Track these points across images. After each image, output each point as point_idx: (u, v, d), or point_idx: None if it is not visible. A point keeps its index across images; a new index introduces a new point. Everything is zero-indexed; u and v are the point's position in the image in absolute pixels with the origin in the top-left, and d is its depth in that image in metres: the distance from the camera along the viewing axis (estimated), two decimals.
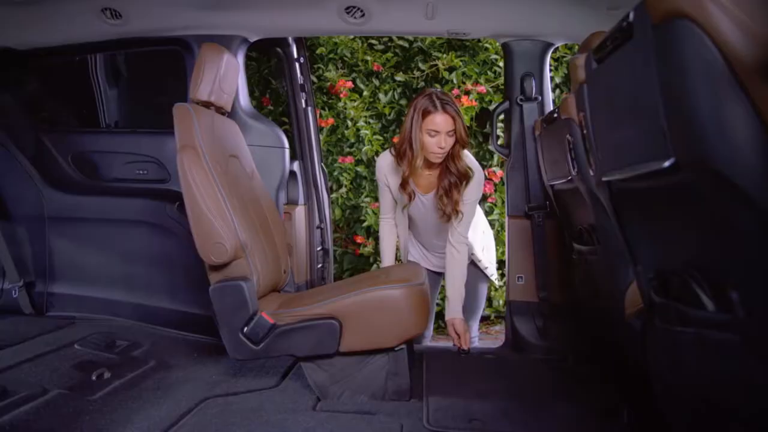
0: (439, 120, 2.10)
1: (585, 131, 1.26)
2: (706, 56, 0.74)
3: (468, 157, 2.25)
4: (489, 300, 4.01)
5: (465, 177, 2.22)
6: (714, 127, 0.75)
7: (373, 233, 3.89)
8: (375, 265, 3.87)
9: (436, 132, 2.10)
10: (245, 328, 1.77)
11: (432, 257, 2.51)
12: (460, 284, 2.28)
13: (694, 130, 0.78)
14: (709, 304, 0.91)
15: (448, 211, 2.25)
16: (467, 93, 3.74)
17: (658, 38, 0.83)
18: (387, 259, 2.45)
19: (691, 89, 0.77)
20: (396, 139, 2.44)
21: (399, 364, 1.81)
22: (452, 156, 2.18)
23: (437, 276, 2.54)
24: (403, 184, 2.25)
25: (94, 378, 1.87)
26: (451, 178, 2.22)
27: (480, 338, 4.03)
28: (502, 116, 2.55)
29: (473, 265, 2.51)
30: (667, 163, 0.85)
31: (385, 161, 2.31)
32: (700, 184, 0.84)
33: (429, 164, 2.23)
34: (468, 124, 3.76)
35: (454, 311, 2.27)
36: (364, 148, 3.78)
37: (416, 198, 2.31)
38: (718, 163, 0.76)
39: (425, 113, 2.11)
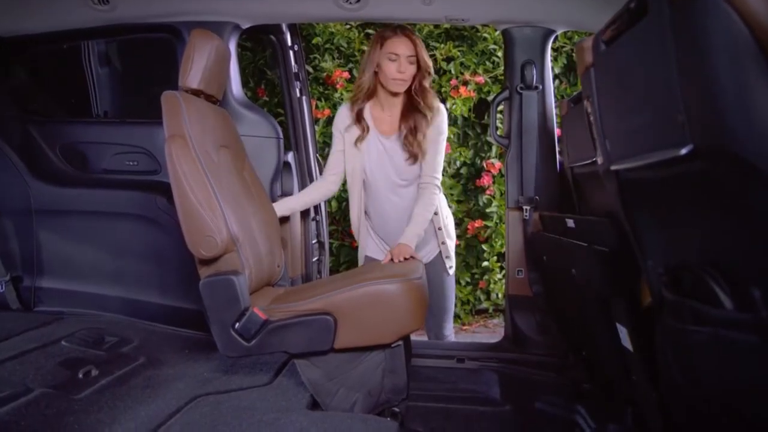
0: (398, 43, 2.11)
1: (592, 118, 1.19)
2: (732, 32, 0.67)
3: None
4: (487, 293, 3.97)
5: (433, 111, 2.18)
6: (739, 110, 0.69)
7: None
8: None
9: (396, 55, 2.10)
10: (237, 324, 1.71)
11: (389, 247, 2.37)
12: (422, 222, 2.19)
13: (716, 114, 0.72)
14: (726, 302, 0.85)
15: (415, 150, 2.18)
16: (465, 83, 3.67)
17: (677, 14, 0.77)
18: (289, 200, 2.38)
19: (714, 70, 0.71)
20: None
21: (396, 361, 1.75)
22: (418, 90, 2.16)
23: None
24: (358, 117, 2.21)
25: (80, 376, 1.80)
26: (417, 116, 2.18)
27: (478, 332, 4.01)
28: (501, 106, 2.48)
29: (439, 258, 2.39)
30: (684, 151, 0.79)
31: (344, 108, 2.29)
32: (721, 173, 0.78)
33: (390, 101, 2.21)
34: (466, 115, 3.70)
35: (406, 238, 2.15)
36: None
37: (375, 139, 2.24)
38: (743, 149, 0.69)
39: (384, 38, 2.13)
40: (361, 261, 2.46)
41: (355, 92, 2.24)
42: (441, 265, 2.40)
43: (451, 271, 2.43)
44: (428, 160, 2.21)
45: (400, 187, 2.29)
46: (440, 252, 2.39)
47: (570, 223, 1.75)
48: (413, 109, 2.19)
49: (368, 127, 2.24)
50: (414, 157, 2.20)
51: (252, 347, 1.72)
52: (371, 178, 2.29)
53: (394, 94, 2.20)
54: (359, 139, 2.24)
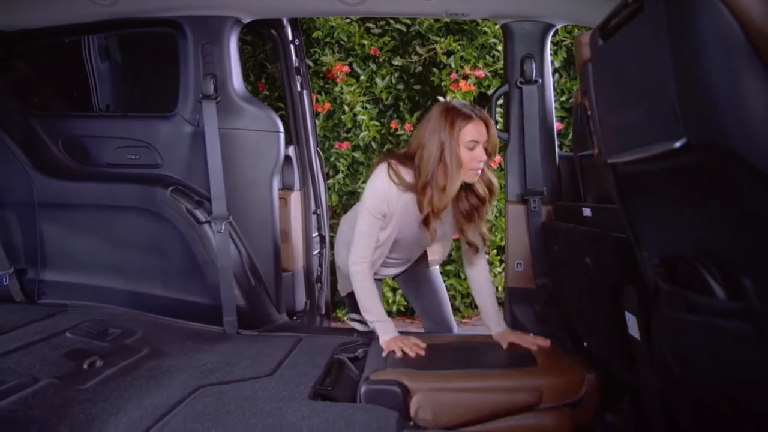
0: (477, 129, 1.83)
1: (590, 112, 1.21)
2: (724, 28, 0.69)
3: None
4: None
5: (492, 193, 1.96)
6: (731, 105, 0.71)
7: None
8: None
9: (476, 143, 1.84)
10: None
11: (383, 268, 2.22)
12: (494, 299, 2.13)
13: (708, 108, 0.74)
14: (719, 292, 0.88)
15: (470, 237, 1.99)
16: (465, 77, 3.68)
17: (671, 11, 0.79)
18: (379, 310, 2.01)
19: (706, 64, 0.73)
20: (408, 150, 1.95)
21: None
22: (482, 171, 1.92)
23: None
24: (426, 221, 1.93)
25: (85, 366, 1.83)
26: (472, 200, 1.95)
27: (478, 325, 4.03)
28: (501, 100, 2.50)
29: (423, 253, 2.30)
30: (678, 144, 0.81)
31: (389, 187, 1.92)
32: (714, 166, 0.80)
33: None
34: None
35: (502, 324, 2.06)
36: (361, 134, 3.73)
37: (416, 219, 1.98)
38: (735, 142, 0.71)
39: (460, 127, 1.83)
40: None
41: (420, 187, 1.90)
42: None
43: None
44: (477, 234, 2.04)
45: (420, 245, 2.17)
46: None
47: (587, 212, 1.77)
48: (469, 192, 1.95)
49: (436, 231, 1.99)
50: (474, 247, 2.03)
51: None
52: (402, 240, 2.08)
53: None
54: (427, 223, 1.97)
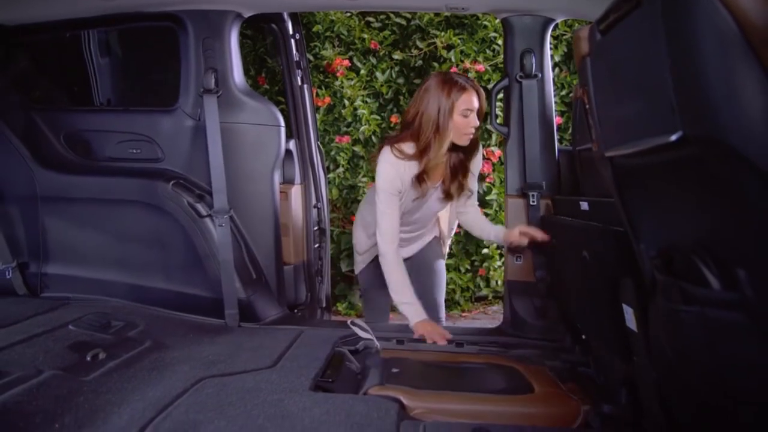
0: (472, 97, 2.03)
1: (588, 106, 1.22)
2: (719, 24, 0.70)
3: None
4: (487, 280, 4.01)
5: (474, 148, 2.18)
6: (726, 99, 0.72)
7: None
8: None
9: (470, 111, 2.03)
10: None
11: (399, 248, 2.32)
12: (491, 224, 2.35)
13: (704, 102, 0.75)
14: (714, 282, 0.89)
15: (454, 190, 2.19)
16: (465, 72, 3.69)
17: (668, 6, 0.80)
18: (409, 291, 2.14)
19: (702, 60, 0.74)
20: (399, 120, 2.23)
21: None
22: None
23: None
24: (420, 178, 2.10)
25: (88, 359, 1.85)
26: (459, 155, 2.16)
27: (477, 318, 4.05)
28: (501, 94, 2.50)
29: (437, 244, 2.53)
30: (674, 137, 0.82)
31: (396, 164, 2.09)
32: (709, 159, 0.81)
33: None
34: None
35: (499, 233, 2.27)
36: (362, 128, 3.74)
37: (429, 189, 2.18)
38: (729, 136, 0.72)
39: (458, 94, 2.02)
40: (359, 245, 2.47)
41: (420, 150, 2.07)
42: (441, 250, 2.53)
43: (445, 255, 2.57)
44: (472, 190, 2.29)
45: (431, 216, 2.38)
46: (436, 237, 2.51)
47: (584, 205, 1.78)
48: (456, 150, 2.14)
49: (427, 188, 2.17)
50: (450, 196, 2.22)
51: None
52: (407, 213, 2.25)
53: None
54: (419, 197, 2.19)
